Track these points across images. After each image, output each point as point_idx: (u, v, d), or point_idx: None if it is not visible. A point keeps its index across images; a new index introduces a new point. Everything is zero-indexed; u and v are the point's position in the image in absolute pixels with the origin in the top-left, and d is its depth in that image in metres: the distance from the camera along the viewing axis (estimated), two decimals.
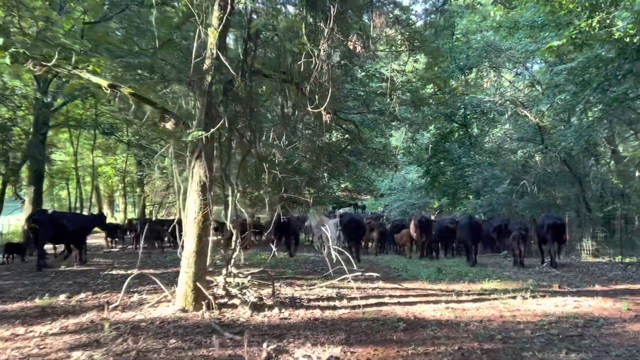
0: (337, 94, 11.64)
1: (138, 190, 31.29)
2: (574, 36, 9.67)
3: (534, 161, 20.78)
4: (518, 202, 20.01)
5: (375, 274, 9.32)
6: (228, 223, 7.61)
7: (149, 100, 7.30)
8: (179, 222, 7.10)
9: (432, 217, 33.47)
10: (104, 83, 7.14)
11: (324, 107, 6.95)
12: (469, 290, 8.71)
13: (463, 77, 27.46)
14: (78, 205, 26.90)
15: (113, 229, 20.52)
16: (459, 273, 11.17)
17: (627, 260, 14.22)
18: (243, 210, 8.74)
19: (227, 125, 7.18)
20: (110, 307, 6.98)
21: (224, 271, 7.42)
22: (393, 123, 28.31)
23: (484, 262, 15.19)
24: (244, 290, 7.41)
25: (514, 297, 7.90)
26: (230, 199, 7.48)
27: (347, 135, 27.04)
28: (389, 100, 13.12)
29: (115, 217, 34.24)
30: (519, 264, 13.32)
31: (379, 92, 12.53)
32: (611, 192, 19.79)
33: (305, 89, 7.27)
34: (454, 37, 26.91)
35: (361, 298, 7.73)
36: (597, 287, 9.17)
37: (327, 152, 23.62)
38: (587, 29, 9.61)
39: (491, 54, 22.74)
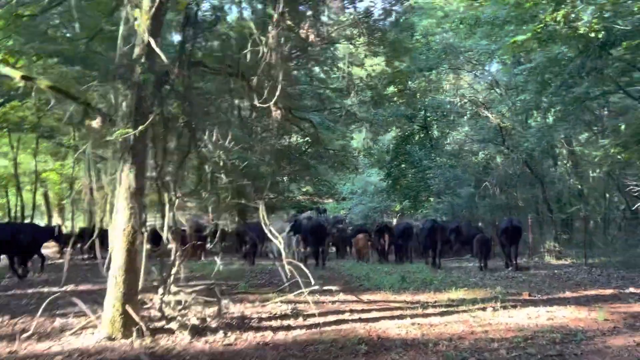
0: (291, 90, 10.87)
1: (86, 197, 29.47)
2: (538, 30, 9.25)
3: (495, 163, 20.59)
4: (479, 204, 19.77)
5: (334, 288, 8.53)
6: (164, 234, 6.67)
7: (71, 95, 6.32)
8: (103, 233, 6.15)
9: (394, 221, 33.22)
10: (16, 74, 6.12)
11: (273, 101, 6.15)
12: (435, 301, 8.06)
13: (423, 78, 27.25)
14: (19, 214, 25.04)
15: (67, 239, 19.27)
16: (424, 281, 10.55)
17: (590, 261, 14.02)
18: (182, 218, 7.76)
19: (161, 123, 6.29)
20: (24, 336, 5.94)
21: (160, 290, 6.48)
22: (353, 125, 27.92)
23: (448, 266, 14.72)
24: (186, 311, 6.50)
25: (484, 309, 7.30)
26: (167, 206, 6.55)
27: (307, 138, 26.42)
28: (349, 98, 12.48)
29: (66, 226, 32.33)
30: (484, 269, 13.06)
31: (337, 89, 11.84)
32: (569, 193, 19.82)
33: (251, 81, 6.45)
34: (414, 38, 26.68)
35: (319, 315, 6.95)
36: (568, 294, 8.70)
37: (286, 155, 22.84)
38: (552, 23, 9.20)
39: (450, 55, 22.53)
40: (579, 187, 21.11)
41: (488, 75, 23.03)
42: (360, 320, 6.80)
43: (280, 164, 23.01)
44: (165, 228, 6.50)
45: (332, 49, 10.46)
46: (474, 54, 22.34)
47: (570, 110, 14.82)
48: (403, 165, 27.35)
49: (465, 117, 23.60)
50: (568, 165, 21.90)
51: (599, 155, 8.66)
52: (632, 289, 9.04)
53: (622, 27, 9.23)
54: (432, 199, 25.59)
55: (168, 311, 6.33)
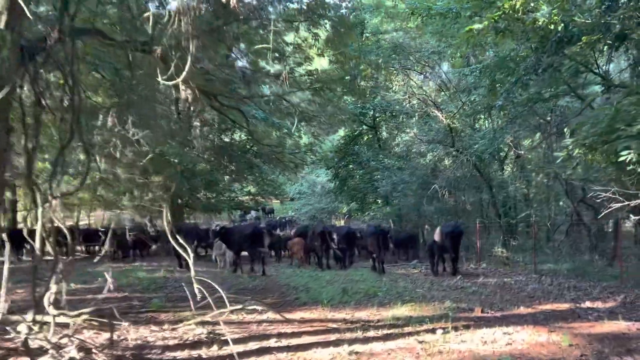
0: (220, 74, 9.55)
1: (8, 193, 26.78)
2: (496, 18, 8.43)
3: (444, 165, 20.01)
4: (427, 207, 19.12)
5: (259, 307, 7.28)
6: (37, 241, 5.23)
7: None
8: None
9: (341, 223, 32.37)
10: None
11: (181, 78, 4.88)
12: (378, 320, 7.01)
13: (373, 77, 26.57)
14: None
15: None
16: (367, 293, 9.52)
17: (539, 268, 13.52)
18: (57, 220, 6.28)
19: (36, 101, 4.91)
20: None
21: (29, 314, 5.06)
22: (302, 122, 26.79)
23: (394, 273, 13.84)
24: (66, 340, 5.12)
25: (433, 330, 6.31)
26: (40, 205, 5.13)
27: (250, 137, 25.05)
28: (283, 86, 11.28)
29: None
30: (435, 273, 13.11)
31: (269, 73, 10.60)
32: (515, 198, 19.51)
33: (155, 52, 5.16)
34: (364, 36, 25.95)
35: (239, 341, 5.76)
36: (523, 310, 7.89)
37: (227, 153, 21.38)
38: (510, 12, 8.40)
39: (400, 55, 21.91)
40: (525, 191, 20.96)
41: (438, 76, 22.56)
42: (288, 348, 5.65)
43: (221, 162, 21.55)
44: (38, 234, 5.08)
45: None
46: (423, 55, 21.83)
47: (520, 111, 14.32)
48: (351, 166, 26.54)
49: (414, 117, 23.04)
50: (515, 169, 21.67)
51: (562, 156, 7.96)
52: (588, 304, 8.35)
53: (581, 20, 8.55)
54: (379, 202, 24.89)
55: (38, 342, 4.92)
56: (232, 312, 6.74)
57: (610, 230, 16.62)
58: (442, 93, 22.49)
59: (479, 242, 16.51)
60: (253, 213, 39.66)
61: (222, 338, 5.98)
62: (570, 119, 17.50)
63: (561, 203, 19.11)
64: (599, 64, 12.80)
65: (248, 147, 24.11)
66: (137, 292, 9.55)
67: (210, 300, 5.62)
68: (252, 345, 5.71)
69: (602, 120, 6.75)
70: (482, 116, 18.95)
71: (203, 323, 6.50)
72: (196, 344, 5.81)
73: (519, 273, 13.48)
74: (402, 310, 7.70)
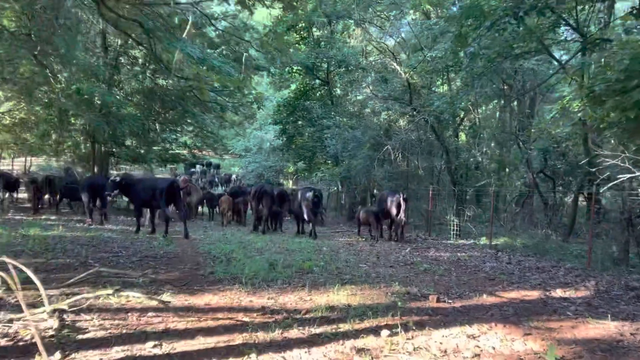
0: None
1: None
2: None
3: (399, 126, 18.45)
4: (378, 170, 17.62)
5: (136, 295, 5.40)
6: None
7: None
8: None
9: (287, 184, 30.70)
10: None
11: None
12: (306, 312, 5.35)
13: (329, 27, 24.39)
14: None
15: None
16: (301, 267, 7.87)
17: (494, 242, 12.37)
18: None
19: None
20: None
21: None
22: (250, 71, 24.38)
23: (337, 241, 12.32)
24: None
25: (376, 332, 4.71)
26: None
27: (190, 81, 22.45)
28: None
29: None
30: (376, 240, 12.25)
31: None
32: (466, 166, 18.30)
33: None
34: None
35: (98, 343, 3.96)
36: (486, 299, 6.45)
37: (160, 98, 18.89)
38: None
39: (359, 6, 19.88)
40: (479, 159, 19.86)
41: (398, 31, 20.69)
42: (169, 358, 3.89)
43: (152, 107, 19.05)
44: None
45: None
46: (383, 6, 19.91)
47: (487, 68, 12.77)
48: (300, 122, 24.61)
49: (371, 74, 21.22)
50: (470, 136, 20.42)
51: (556, 110, 6.53)
52: (559, 292, 7.04)
53: None
54: (329, 162, 23.23)
55: None
56: (117, 291, 4.96)
57: (566, 204, 15.75)
58: (402, 50, 20.78)
59: (431, 210, 15.23)
60: (198, 167, 37.34)
61: (73, 337, 4.15)
62: (535, 83, 16.29)
63: (517, 173, 18.11)
64: (578, 21, 11.36)
65: (190, 93, 21.62)
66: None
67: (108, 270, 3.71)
68: (115, 353, 3.91)
69: (622, 60, 5.17)
70: (442, 76, 17.37)
71: (58, 311, 4.61)
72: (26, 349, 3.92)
73: (472, 247, 12.30)
74: (340, 296, 6.08)
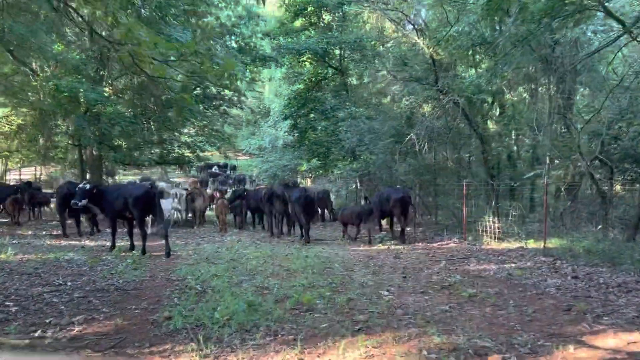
0: None
1: None
2: None
3: (422, 113, 16.13)
4: (400, 164, 15.33)
5: None
6: None
7: None
8: None
9: (305, 183, 28.64)
10: None
11: None
12: None
13: (340, 10, 22.12)
14: None
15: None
16: (298, 301, 5.69)
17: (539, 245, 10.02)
18: None
19: None
20: None
21: None
22: (257, 62, 22.32)
23: (353, 251, 10.11)
24: None
25: None
26: None
27: (194, 76, 20.50)
28: None
29: None
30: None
31: None
32: (499, 155, 15.83)
33: None
34: None
35: None
36: (575, 354, 4.18)
37: (153, 94, 16.90)
38: None
39: None
40: (515, 147, 17.40)
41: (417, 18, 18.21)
42: None
43: (145, 104, 17.09)
44: None
45: None
46: None
47: (530, 34, 10.38)
48: (312, 115, 22.44)
49: (389, 57, 18.88)
50: (502, 120, 17.87)
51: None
52: None
53: None
54: (346, 158, 20.99)
55: None
56: None
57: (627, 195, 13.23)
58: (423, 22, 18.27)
59: (465, 210, 12.89)
60: (216, 168, 35.86)
61: None
62: (577, 58, 13.79)
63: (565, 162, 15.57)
64: None
65: (193, 88, 19.62)
66: None
67: None
68: None
69: None
70: (471, 53, 14.95)
71: None
72: None
73: (520, 253, 9.97)
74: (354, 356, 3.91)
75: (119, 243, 9.97)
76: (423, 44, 13.60)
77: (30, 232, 11.95)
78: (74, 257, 8.37)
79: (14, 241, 10.39)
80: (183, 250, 10.06)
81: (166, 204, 13.62)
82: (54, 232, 12.00)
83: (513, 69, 13.06)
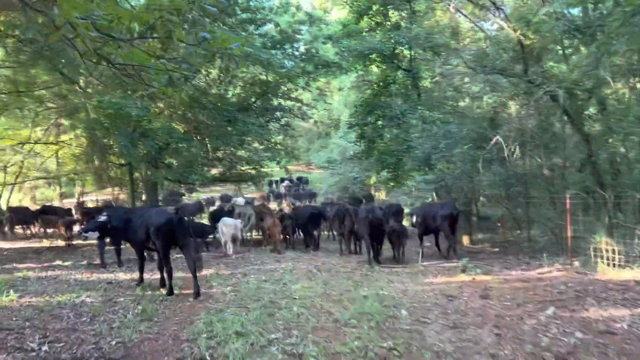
0: None
1: None
2: None
3: (508, 113, 13.69)
4: (483, 173, 12.95)
5: None
6: None
7: None
8: None
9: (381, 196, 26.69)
10: None
11: None
12: None
13: (408, 5, 20.06)
14: None
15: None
16: None
17: None
18: None
19: None
20: None
21: None
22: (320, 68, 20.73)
23: (429, 277, 8.00)
24: None
25: None
26: None
27: (256, 88, 19.32)
28: None
29: None
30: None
31: None
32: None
33: None
34: None
35: None
36: None
37: (204, 106, 15.74)
38: None
39: None
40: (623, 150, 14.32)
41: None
42: None
43: (197, 118, 15.97)
44: None
45: None
46: None
47: None
48: (380, 123, 20.47)
49: (466, 52, 16.49)
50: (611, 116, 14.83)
51: None
52: None
53: None
54: (421, 169, 18.71)
55: None
56: None
57: None
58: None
59: (570, 228, 10.33)
60: (287, 183, 35.13)
61: None
62: None
63: None
64: None
65: (252, 100, 18.32)
66: None
67: None
68: None
69: None
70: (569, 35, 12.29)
71: None
72: None
73: None
74: None
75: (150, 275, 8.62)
76: (509, 27, 11.22)
77: (69, 263, 10.94)
78: (85, 299, 7.00)
79: (43, 274, 9.34)
80: (223, 284, 8.45)
81: (227, 226, 12.54)
82: (96, 262, 10.92)
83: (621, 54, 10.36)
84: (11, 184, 20.22)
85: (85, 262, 11.07)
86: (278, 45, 18.90)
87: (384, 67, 21.04)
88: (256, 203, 21.72)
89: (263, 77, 18.96)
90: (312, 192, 31.62)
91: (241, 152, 18.44)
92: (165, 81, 4.05)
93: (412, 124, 17.76)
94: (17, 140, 19.00)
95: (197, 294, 7.34)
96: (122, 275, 9.38)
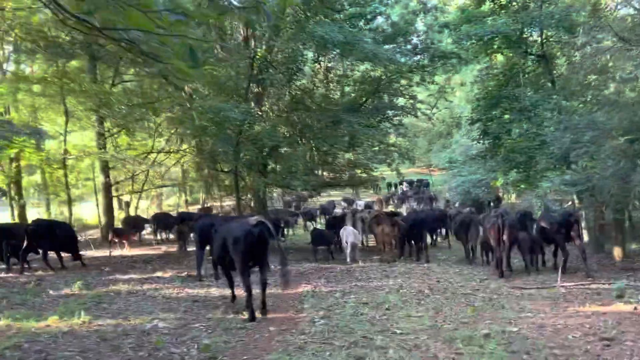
0: None
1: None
2: None
3: None
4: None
5: None
6: None
7: None
8: None
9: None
10: None
11: None
12: None
13: None
14: None
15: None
16: None
17: None
18: None
19: None
20: None
21: None
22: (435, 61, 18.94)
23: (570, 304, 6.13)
24: None
25: None
26: None
27: (364, 86, 18.15)
28: None
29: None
30: None
31: None
32: None
33: None
34: None
35: None
36: None
37: (306, 107, 14.92)
38: None
39: None
40: None
41: None
42: None
43: (300, 121, 15.16)
44: None
45: None
46: None
47: None
48: (506, 117, 18.05)
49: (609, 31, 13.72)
50: None
51: None
52: None
53: None
54: (558, 167, 16.04)
55: None
56: None
57: None
58: None
59: None
60: (407, 185, 33.87)
61: None
62: None
63: None
64: None
65: (363, 99, 17.22)
66: None
67: None
68: None
69: None
70: None
71: None
72: None
73: None
74: None
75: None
76: None
77: (169, 274, 10.65)
78: (157, 325, 6.31)
79: (137, 287, 9.05)
80: (315, 307, 7.35)
81: (349, 232, 12.62)
82: (193, 273, 10.52)
83: None
84: (138, 191, 21.35)
85: (185, 273, 10.72)
86: (390, 40, 17.61)
87: (510, 54, 18.61)
88: (375, 207, 20.68)
89: (374, 73, 17.77)
90: (431, 195, 29.60)
91: (349, 155, 17.36)
92: (185, 55, 3.04)
93: (546, 116, 15.32)
94: (141, 151, 20.00)
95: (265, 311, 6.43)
96: (213, 291, 8.75)
